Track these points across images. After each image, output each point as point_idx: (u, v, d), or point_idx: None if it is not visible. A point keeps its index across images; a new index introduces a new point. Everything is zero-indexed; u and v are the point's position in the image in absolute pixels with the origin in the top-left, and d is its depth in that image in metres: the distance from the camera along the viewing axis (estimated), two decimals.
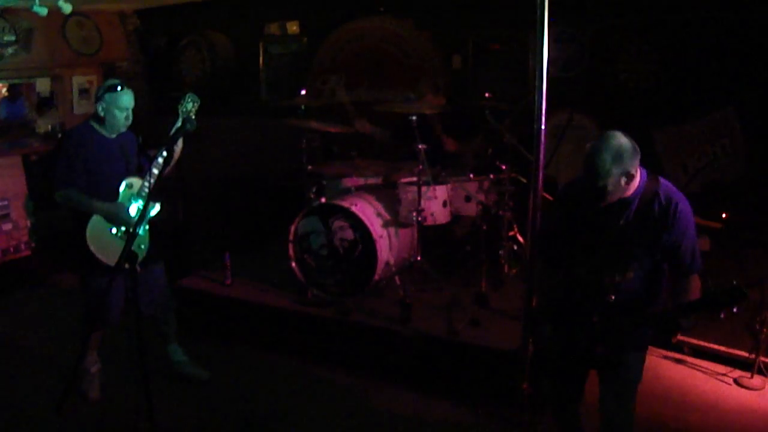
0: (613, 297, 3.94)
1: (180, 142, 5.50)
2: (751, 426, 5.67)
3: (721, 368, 6.48)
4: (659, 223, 3.85)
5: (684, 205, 3.87)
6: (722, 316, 3.48)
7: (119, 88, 5.46)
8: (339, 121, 7.58)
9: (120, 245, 4.69)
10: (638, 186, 3.88)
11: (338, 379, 6.35)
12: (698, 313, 3.57)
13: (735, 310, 3.42)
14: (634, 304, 3.95)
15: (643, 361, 4.21)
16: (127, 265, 4.49)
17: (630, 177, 3.79)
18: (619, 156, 3.72)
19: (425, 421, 5.72)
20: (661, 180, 3.94)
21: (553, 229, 4.44)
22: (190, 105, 5.31)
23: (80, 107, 10.47)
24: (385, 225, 6.86)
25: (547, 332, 4.33)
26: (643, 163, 3.98)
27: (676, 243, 3.86)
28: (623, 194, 3.87)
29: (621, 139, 3.76)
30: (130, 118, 5.58)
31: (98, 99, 5.48)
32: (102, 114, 5.48)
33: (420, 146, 6.65)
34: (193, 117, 5.24)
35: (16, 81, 10.72)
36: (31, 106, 10.95)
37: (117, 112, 5.48)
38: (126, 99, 5.50)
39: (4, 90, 11.52)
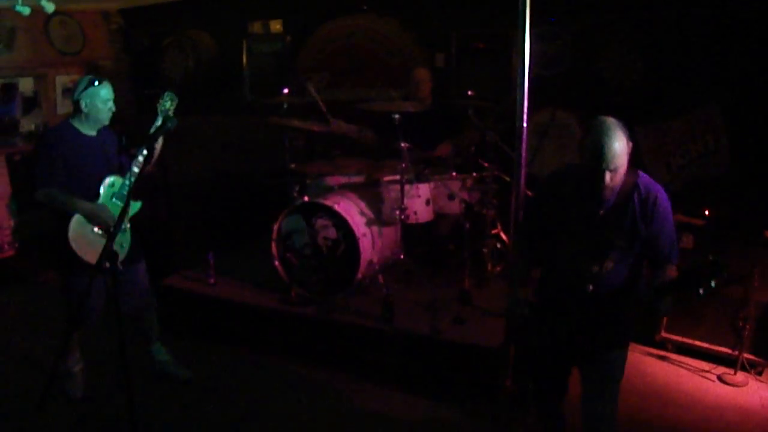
0: (591, 287, 3.96)
1: (160, 141, 5.47)
2: (735, 422, 5.67)
3: (704, 365, 6.49)
4: (639, 214, 3.88)
5: (663, 197, 3.91)
6: (701, 291, 3.46)
7: (97, 82, 5.46)
8: (322, 120, 7.55)
9: (102, 244, 4.66)
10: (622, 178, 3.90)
11: (321, 378, 6.34)
12: (678, 291, 3.56)
13: (713, 284, 3.41)
14: (613, 296, 3.96)
15: (625, 358, 4.21)
16: (107, 264, 4.47)
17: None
18: (623, 138, 3.77)
19: (409, 419, 5.71)
20: (640, 173, 3.97)
21: (533, 220, 4.45)
22: (168, 103, 5.31)
23: (63, 107, 10.40)
24: (368, 223, 6.84)
25: (527, 325, 4.32)
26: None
27: (654, 234, 3.89)
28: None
29: (623, 125, 3.83)
30: (113, 108, 5.59)
31: (79, 97, 5.45)
32: (86, 110, 5.46)
33: (403, 144, 6.65)
34: (172, 115, 5.23)
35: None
36: (18, 106, 10.90)
37: (101, 105, 5.47)
38: (106, 91, 5.51)
39: None
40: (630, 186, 3.90)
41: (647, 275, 4.07)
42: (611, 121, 3.79)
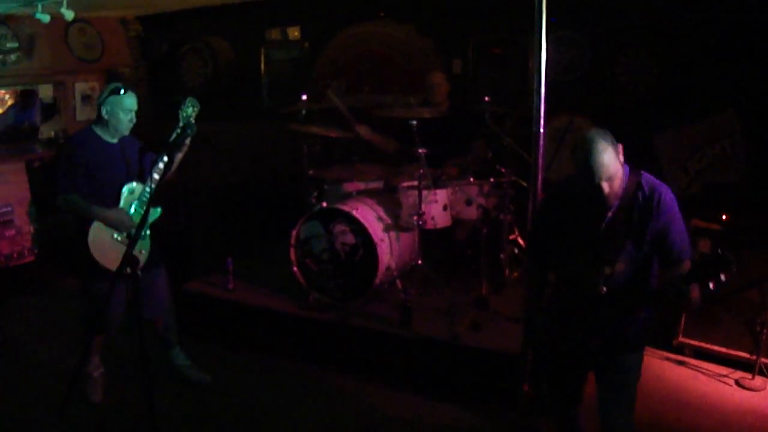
0: (604, 289, 3.97)
1: (184, 148, 5.50)
2: (753, 427, 5.66)
3: (722, 369, 6.48)
4: (644, 213, 3.91)
5: (667, 195, 3.93)
6: (711, 286, 3.47)
7: (122, 91, 5.47)
8: (339, 126, 7.57)
9: (122, 250, 4.69)
10: (622, 180, 3.93)
11: (339, 383, 6.36)
12: (689, 282, 3.56)
13: (723, 278, 3.42)
14: (626, 296, 3.97)
15: (641, 362, 4.21)
16: (128, 270, 4.51)
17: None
18: (608, 147, 3.80)
19: (426, 424, 5.72)
20: (643, 173, 4.01)
21: (543, 226, 4.47)
22: (190, 110, 5.29)
23: (83, 114, 10.47)
24: (386, 229, 6.86)
25: (542, 330, 4.34)
26: (644, 166, 4.03)
27: (663, 232, 3.91)
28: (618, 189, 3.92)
29: (604, 133, 3.86)
30: (134, 120, 5.59)
31: (101, 103, 5.48)
32: (106, 117, 5.48)
33: (420, 150, 6.67)
34: (193, 121, 5.24)
35: (18, 87, 10.75)
36: (38, 112, 10.97)
37: (121, 115, 5.48)
38: (129, 101, 5.51)
39: (7, 97, 11.55)
40: (633, 187, 3.94)
41: (660, 275, 4.08)
42: (592, 135, 3.84)
